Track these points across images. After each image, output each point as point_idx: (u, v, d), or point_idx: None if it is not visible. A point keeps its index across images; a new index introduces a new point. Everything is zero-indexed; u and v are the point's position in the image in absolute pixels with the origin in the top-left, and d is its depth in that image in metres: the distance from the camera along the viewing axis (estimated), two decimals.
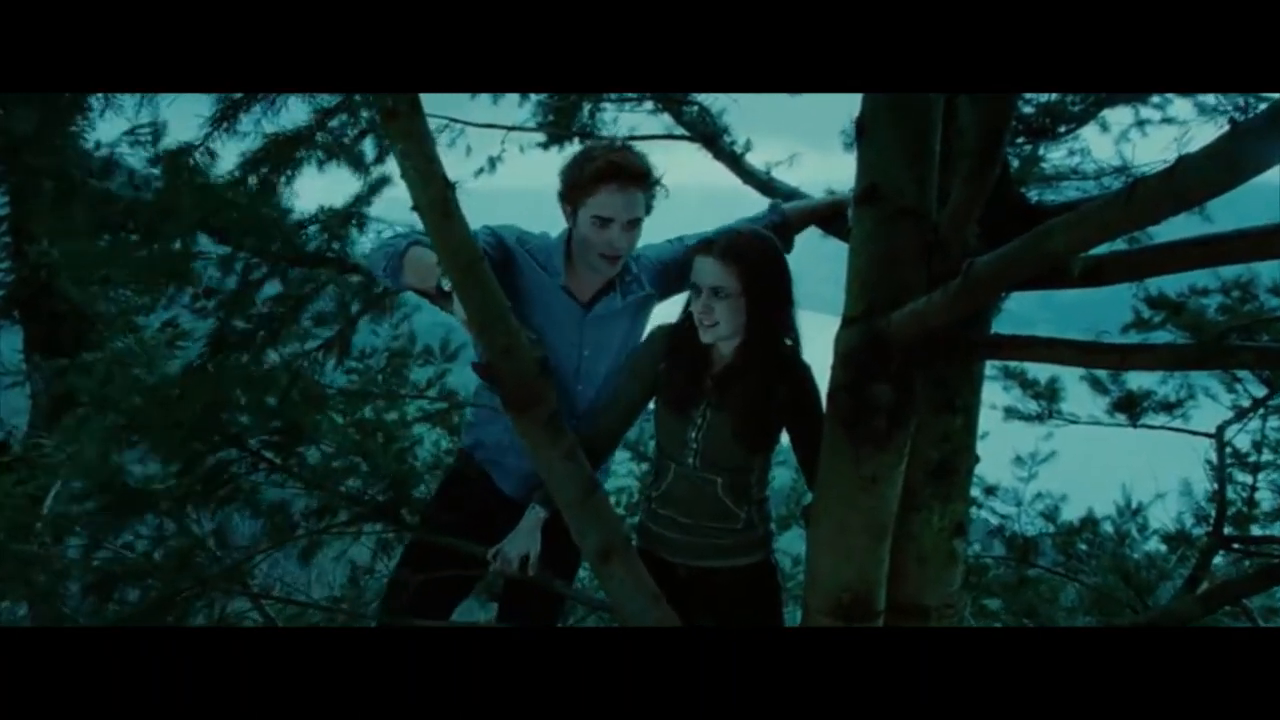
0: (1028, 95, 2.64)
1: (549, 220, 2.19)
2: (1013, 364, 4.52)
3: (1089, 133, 2.90)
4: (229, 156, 2.10)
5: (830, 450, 1.67)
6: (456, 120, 3.89)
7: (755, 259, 1.91)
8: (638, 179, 2.01)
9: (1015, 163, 2.77)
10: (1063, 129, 2.82)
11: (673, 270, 2.19)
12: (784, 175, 2.86)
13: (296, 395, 2.66)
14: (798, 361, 2.00)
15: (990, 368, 2.33)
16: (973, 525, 3.69)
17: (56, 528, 2.65)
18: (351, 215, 2.94)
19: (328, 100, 2.20)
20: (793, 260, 2.16)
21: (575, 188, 2.03)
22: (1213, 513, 3.81)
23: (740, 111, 3.18)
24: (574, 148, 2.74)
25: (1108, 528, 4.68)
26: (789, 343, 2.00)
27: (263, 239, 2.63)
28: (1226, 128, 1.00)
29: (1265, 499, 4.03)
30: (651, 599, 1.86)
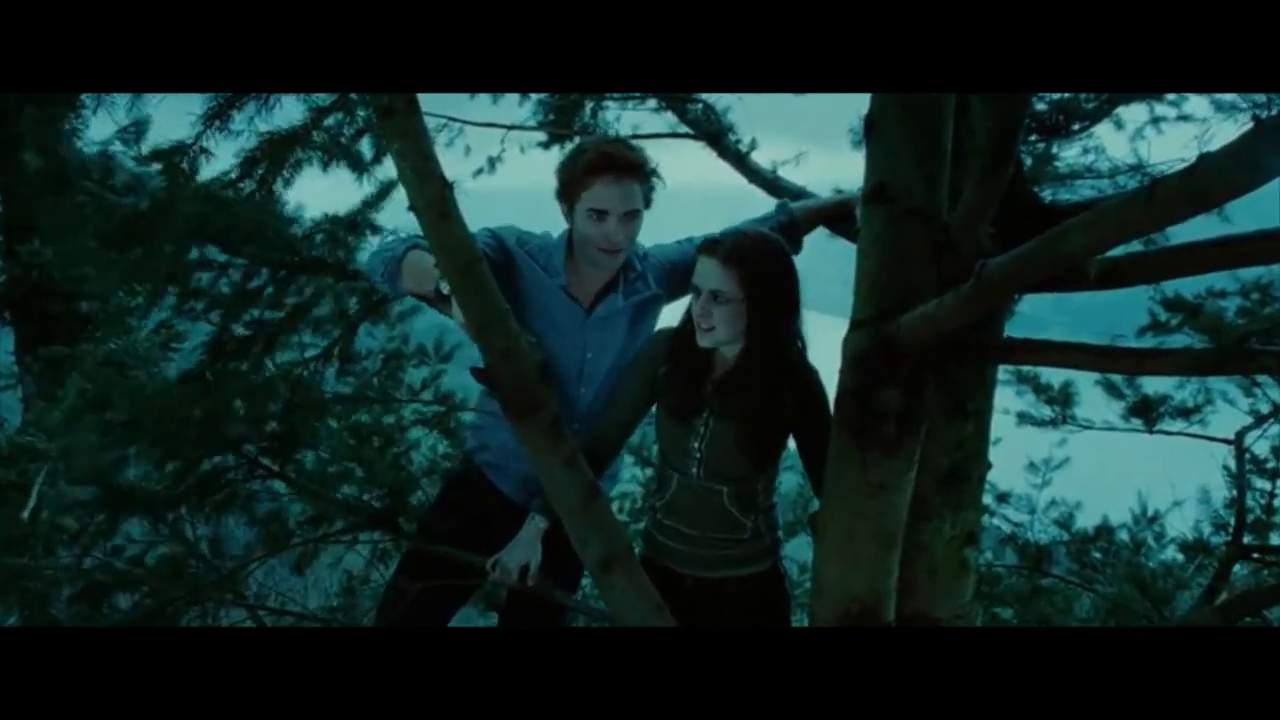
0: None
1: (549, 221, 2.18)
2: (1026, 368, 4.50)
3: (1103, 130, 2.89)
4: (223, 156, 2.09)
5: (838, 456, 1.66)
6: (455, 119, 3.88)
7: (759, 263, 1.88)
8: (631, 170, 2.00)
9: (1028, 161, 2.76)
10: (1076, 126, 2.80)
11: (681, 270, 2.16)
12: (790, 174, 2.85)
13: (296, 399, 2.65)
14: (804, 366, 1.98)
15: (1003, 372, 2.31)
16: (985, 533, 3.67)
17: (48, 536, 2.65)
18: (355, 223, 2.93)
19: (323, 98, 2.19)
20: (800, 260, 2.14)
21: (570, 183, 2.03)
22: (1231, 521, 3.78)
23: (745, 109, 3.17)
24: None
25: (1123, 536, 4.65)
26: (795, 348, 1.98)
27: (262, 245, 2.62)
28: (1248, 125, 0.99)
29: None
30: (654, 609, 1.85)
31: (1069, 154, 2.89)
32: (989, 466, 1.88)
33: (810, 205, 2.39)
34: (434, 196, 1.46)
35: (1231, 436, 3.87)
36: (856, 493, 1.63)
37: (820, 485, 1.78)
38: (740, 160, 3.03)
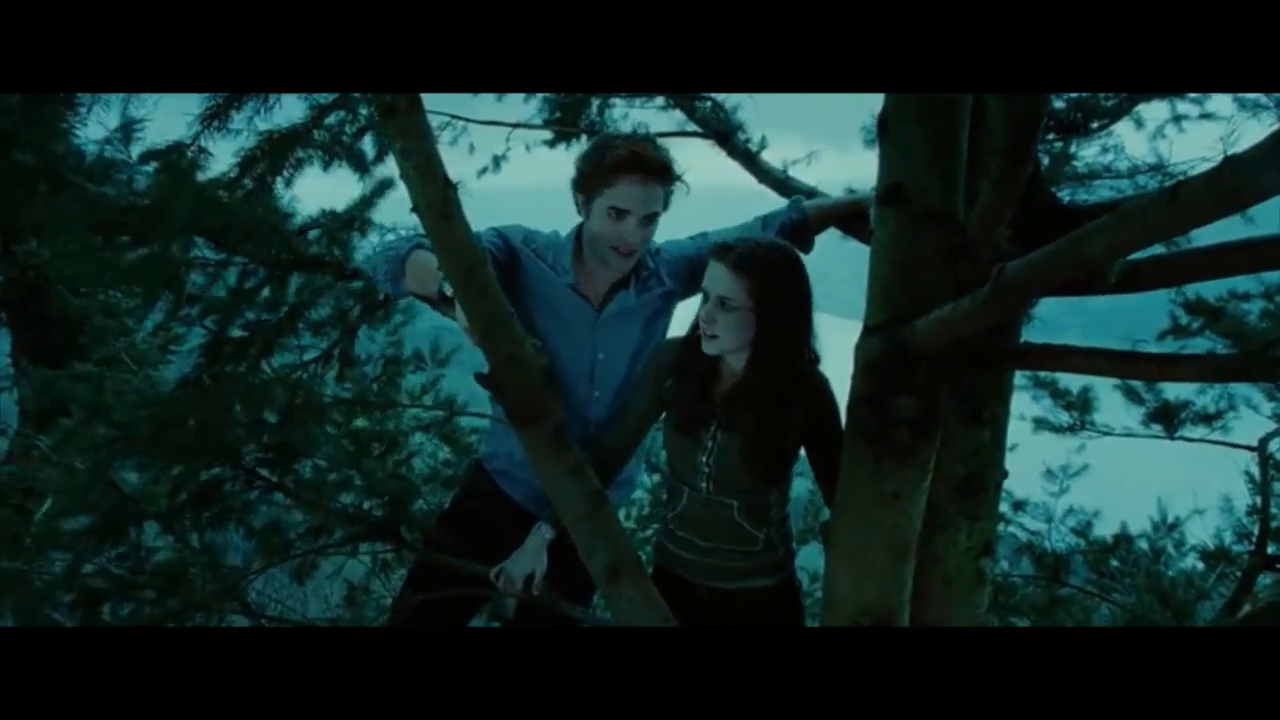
0: None
1: (556, 220, 2.17)
2: (1043, 373, 4.48)
3: (1123, 128, 2.87)
4: (222, 156, 2.09)
5: (850, 465, 1.64)
6: (458, 117, 3.89)
7: (769, 273, 1.84)
8: (660, 173, 1.98)
9: (1045, 160, 2.74)
10: (1095, 125, 2.78)
11: (696, 266, 2.10)
12: (801, 174, 2.85)
13: (297, 403, 2.66)
14: (814, 376, 1.95)
15: (1019, 377, 2.30)
16: (1001, 542, 3.65)
17: (44, 542, 2.65)
18: (353, 220, 2.93)
19: (324, 96, 2.19)
20: (813, 261, 2.12)
21: (593, 176, 1.98)
22: (1255, 530, 3.76)
23: (755, 107, 3.17)
24: (581, 145, 2.73)
25: (1143, 545, 4.63)
26: (805, 359, 1.94)
27: (260, 244, 2.63)
28: (1277, 125, 0.97)
29: None
30: (661, 619, 1.84)
31: (1087, 153, 2.87)
32: (1005, 474, 1.86)
33: (823, 204, 2.37)
34: (437, 197, 1.46)
35: (1255, 443, 3.84)
36: (869, 502, 1.62)
37: (832, 496, 1.77)
38: (750, 159, 3.02)
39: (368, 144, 2.97)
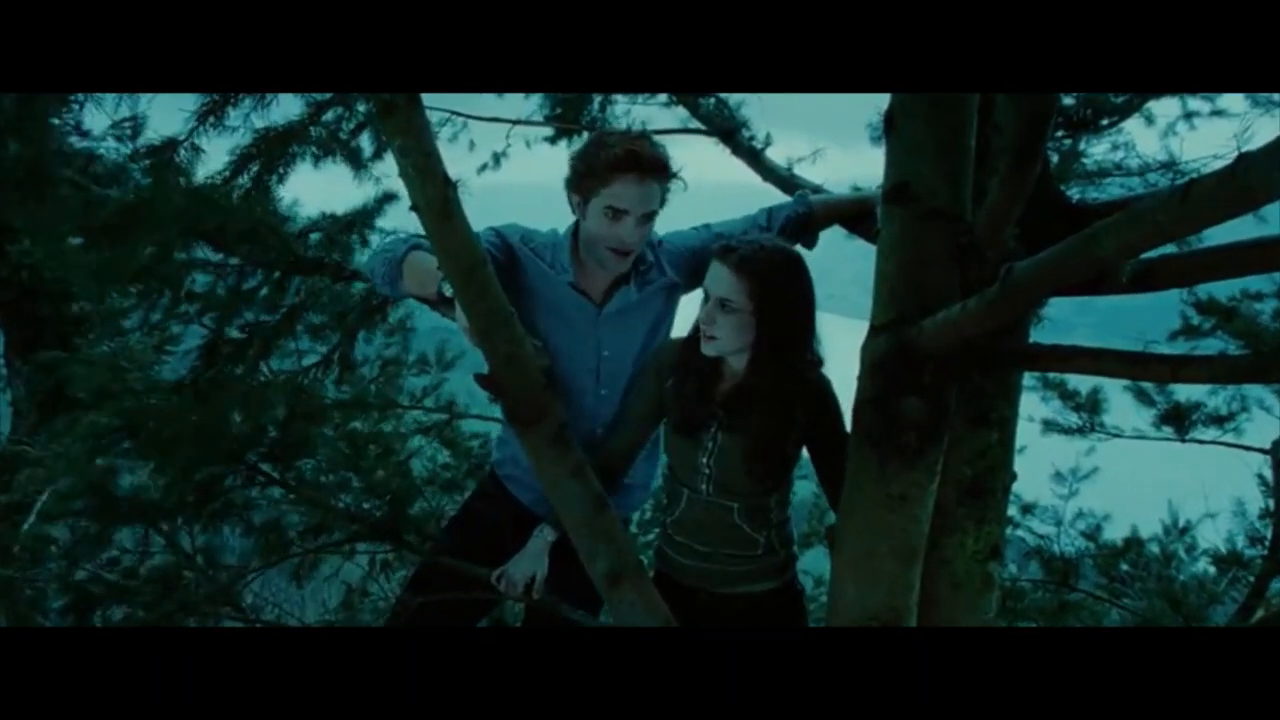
0: None
1: (557, 218, 2.16)
2: (1052, 374, 4.47)
3: (1133, 125, 2.87)
4: (217, 154, 2.09)
5: (856, 467, 1.64)
6: (458, 113, 3.89)
7: (770, 275, 1.83)
8: (657, 171, 1.96)
9: (1054, 158, 2.74)
10: (1105, 122, 2.78)
11: (699, 257, 2.10)
12: (806, 172, 2.84)
13: (298, 407, 2.66)
14: (816, 379, 1.94)
15: (1028, 378, 2.30)
16: (1009, 545, 3.64)
17: (35, 544, 2.66)
18: (353, 224, 2.94)
19: (321, 93, 2.20)
20: (817, 260, 2.12)
21: (588, 176, 1.96)
22: (1268, 534, 3.75)
23: (760, 104, 3.17)
24: (583, 141, 2.73)
25: (1154, 548, 4.62)
26: (807, 362, 1.93)
27: (257, 245, 2.63)
28: None
29: None
30: (663, 624, 1.84)
31: (1097, 150, 2.87)
32: (1014, 477, 1.86)
33: (829, 200, 2.37)
34: (436, 196, 1.46)
35: (1268, 445, 3.83)
36: (875, 506, 1.61)
37: (837, 500, 1.76)
38: (754, 157, 3.02)
39: (365, 141, 2.97)
